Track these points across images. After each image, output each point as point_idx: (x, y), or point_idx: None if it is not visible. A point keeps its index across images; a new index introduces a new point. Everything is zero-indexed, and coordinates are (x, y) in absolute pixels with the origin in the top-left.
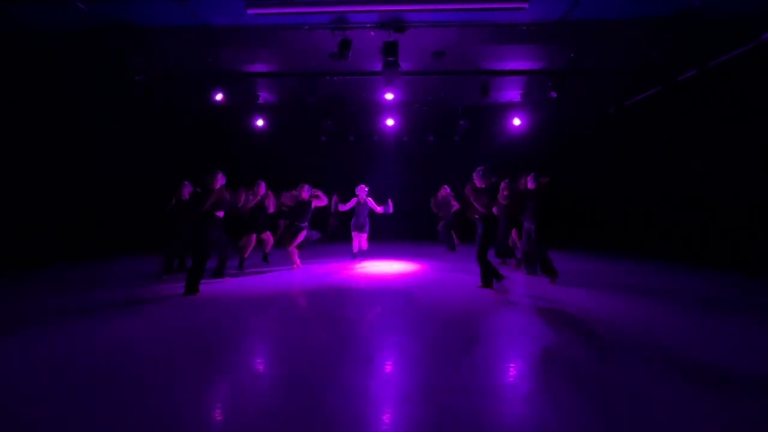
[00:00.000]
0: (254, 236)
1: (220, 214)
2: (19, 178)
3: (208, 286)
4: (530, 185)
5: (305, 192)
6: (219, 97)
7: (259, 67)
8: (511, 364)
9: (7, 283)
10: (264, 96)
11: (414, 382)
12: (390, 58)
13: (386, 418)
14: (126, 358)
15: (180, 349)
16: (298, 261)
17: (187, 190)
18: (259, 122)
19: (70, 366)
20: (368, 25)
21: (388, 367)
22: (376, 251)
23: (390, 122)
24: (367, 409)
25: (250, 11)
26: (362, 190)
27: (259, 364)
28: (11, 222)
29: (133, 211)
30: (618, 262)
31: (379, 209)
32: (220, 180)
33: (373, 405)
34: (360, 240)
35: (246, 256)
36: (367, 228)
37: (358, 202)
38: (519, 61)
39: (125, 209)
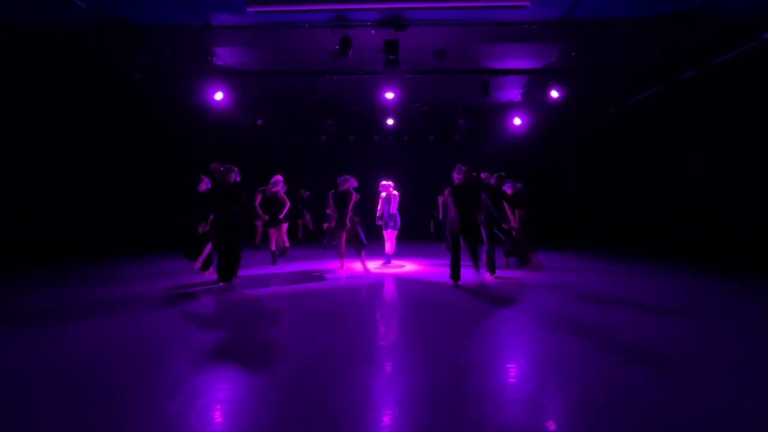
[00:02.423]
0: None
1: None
2: (17, 177)
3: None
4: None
5: (353, 182)
6: (218, 96)
7: (259, 66)
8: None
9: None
10: (264, 95)
11: None
12: (390, 57)
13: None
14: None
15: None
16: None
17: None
18: (259, 121)
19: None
20: (368, 24)
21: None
22: (377, 251)
23: (390, 122)
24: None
25: (250, 9)
26: (387, 186)
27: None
28: (10, 222)
29: (131, 211)
30: (619, 263)
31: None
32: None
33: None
34: (390, 238)
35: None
36: (397, 225)
37: (385, 199)
38: (520, 60)
39: (122, 208)
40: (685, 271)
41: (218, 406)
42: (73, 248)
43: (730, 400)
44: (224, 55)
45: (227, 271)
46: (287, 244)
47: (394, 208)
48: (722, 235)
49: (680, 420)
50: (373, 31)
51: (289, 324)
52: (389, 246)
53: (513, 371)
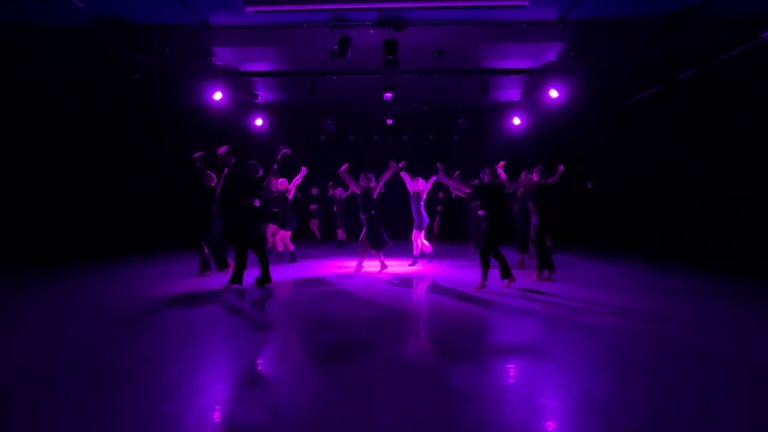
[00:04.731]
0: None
1: (257, 203)
2: (15, 178)
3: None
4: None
5: (373, 181)
6: (218, 96)
7: (258, 66)
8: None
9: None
10: (263, 95)
11: None
12: (389, 57)
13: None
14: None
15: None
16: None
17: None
18: (258, 121)
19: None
20: (368, 23)
21: None
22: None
23: (390, 121)
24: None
25: (249, 9)
26: (417, 181)
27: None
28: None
29: (131, 211)
30: (617, 262)
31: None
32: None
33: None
34: (419, 239)
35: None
36: (419, 223)
37: (415, 194)
38: (520, 60)
39: (121, 209)
40: (686, 269)
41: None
42: (70, 248)
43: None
44: (223, 55)
45: (239, 273)
46: (291, 248)
47: (419, 206)
48: (721, 236)
49: None
50: (372, 31)
51: None
52: (421, 245)
53: None
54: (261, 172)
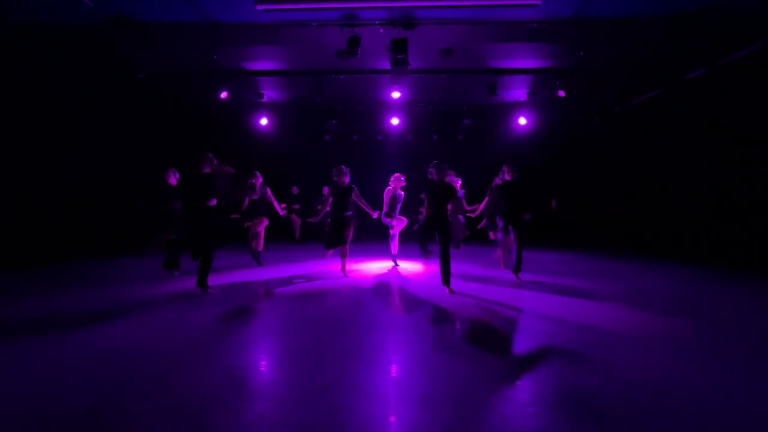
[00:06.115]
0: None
1: (213, 203)
2: (18, 176)
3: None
4: (508, 177)
5: (347, 177)
6: (224, 95)
7: (265, 65)
8: None
9: (13, 283)
10: (269, 94)
11: None
12: (399, 56)
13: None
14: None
15: (185, 350)
16: (347, 268)
17: (174, 178)
18: (263, 121)
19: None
20: (377, 22)
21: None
22: (378, 251)
23: (395, 121)
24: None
25: (259, 7)
26: (397, 179)
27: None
28: (7, 222)
29: (131, 211)
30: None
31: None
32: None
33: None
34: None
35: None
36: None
37: (394, 195)
38: (528, 59)
39: (125, 209)
40: (695, 273)
41: None
42: (74, 248)
43: None
44: (231, 54)
45: (203, 277)
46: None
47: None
48: (728, 237)
49: None
50: (381, 30)
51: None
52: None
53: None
54: (210, 167)
